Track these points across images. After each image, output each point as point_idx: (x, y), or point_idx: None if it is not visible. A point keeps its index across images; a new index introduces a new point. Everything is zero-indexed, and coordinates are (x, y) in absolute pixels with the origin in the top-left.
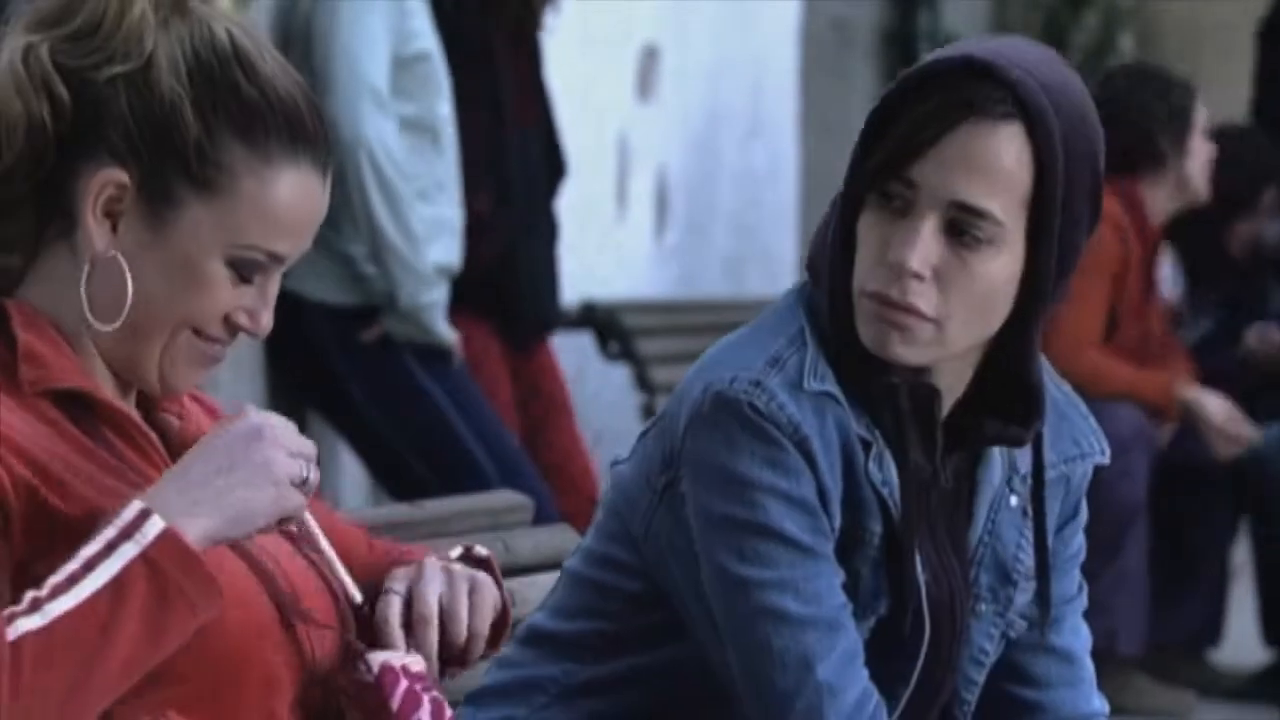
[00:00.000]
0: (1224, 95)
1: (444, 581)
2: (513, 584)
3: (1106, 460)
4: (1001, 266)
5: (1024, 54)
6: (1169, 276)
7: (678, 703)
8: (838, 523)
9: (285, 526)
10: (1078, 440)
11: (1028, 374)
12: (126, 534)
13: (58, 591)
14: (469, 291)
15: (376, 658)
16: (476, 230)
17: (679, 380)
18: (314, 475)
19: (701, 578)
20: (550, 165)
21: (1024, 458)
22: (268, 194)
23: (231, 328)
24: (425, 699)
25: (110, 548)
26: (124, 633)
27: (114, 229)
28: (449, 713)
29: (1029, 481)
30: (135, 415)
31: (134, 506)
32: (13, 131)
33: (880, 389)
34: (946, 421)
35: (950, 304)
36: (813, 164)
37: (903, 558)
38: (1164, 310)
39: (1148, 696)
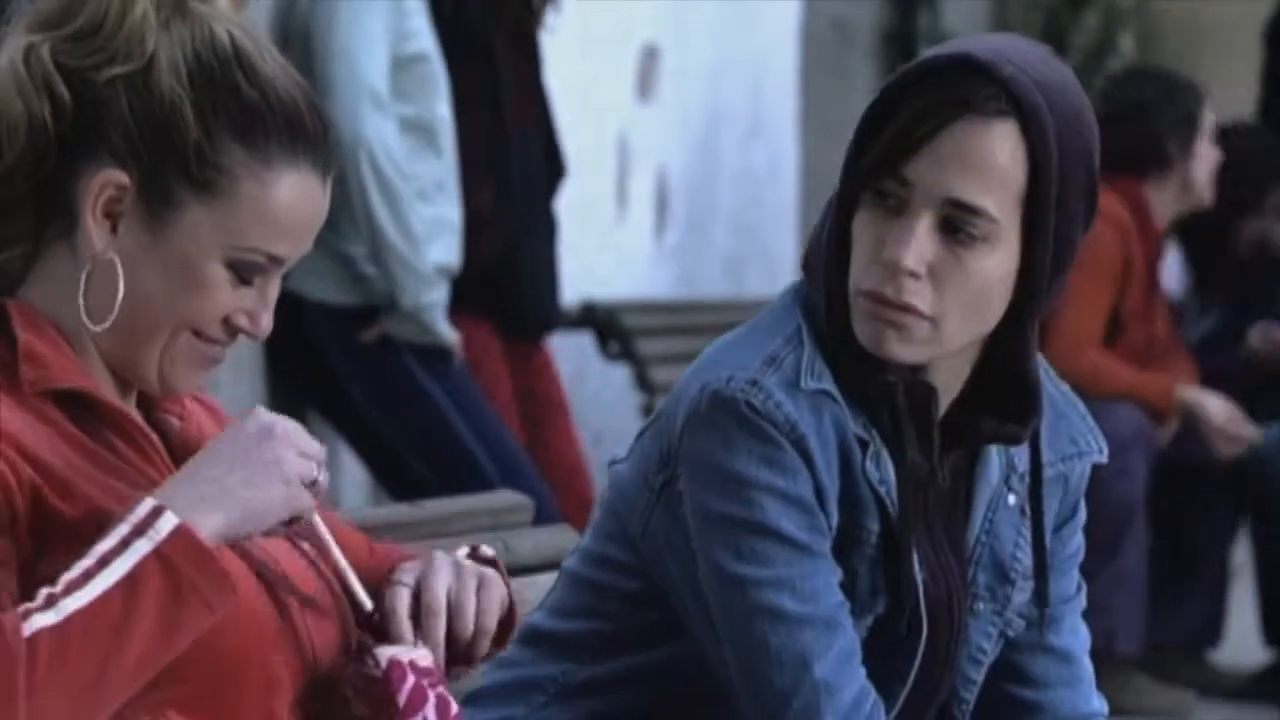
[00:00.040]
0: (1224, 95)
1: (453, 575)
2: (513, 584)
3: (1105, 459)
4: (997, 263)
5: (1018, 51)
6: (1174, 274)
7: (676, 702)
8: (835, 521)
9: (294, 527)
10: (1075, 439)
11: (1024, 371)
12: (140, 530)
13: (72, 588)
14: (470, 291)
15: (384, 652)
16: (477, 227)
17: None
18: (323, 477)
19: (699, 576)
20: (550, 166)
21: (1022, 456)
22: (268, 196)
23: (231, 329)
24: (431, 695)
25: (124, 544)
26: (139, 628)
27: (114, 230)
28: (454, 709)
29: (1027, 480)
30: (136, 415)
31: (147, 503)
32: (14, 131)
33: (877, 388)
34: (943, 420)
35: (946, 302)
36: (813, 164)
37: (900, 556)
38: (1168, 313)
39: (1148, 697)
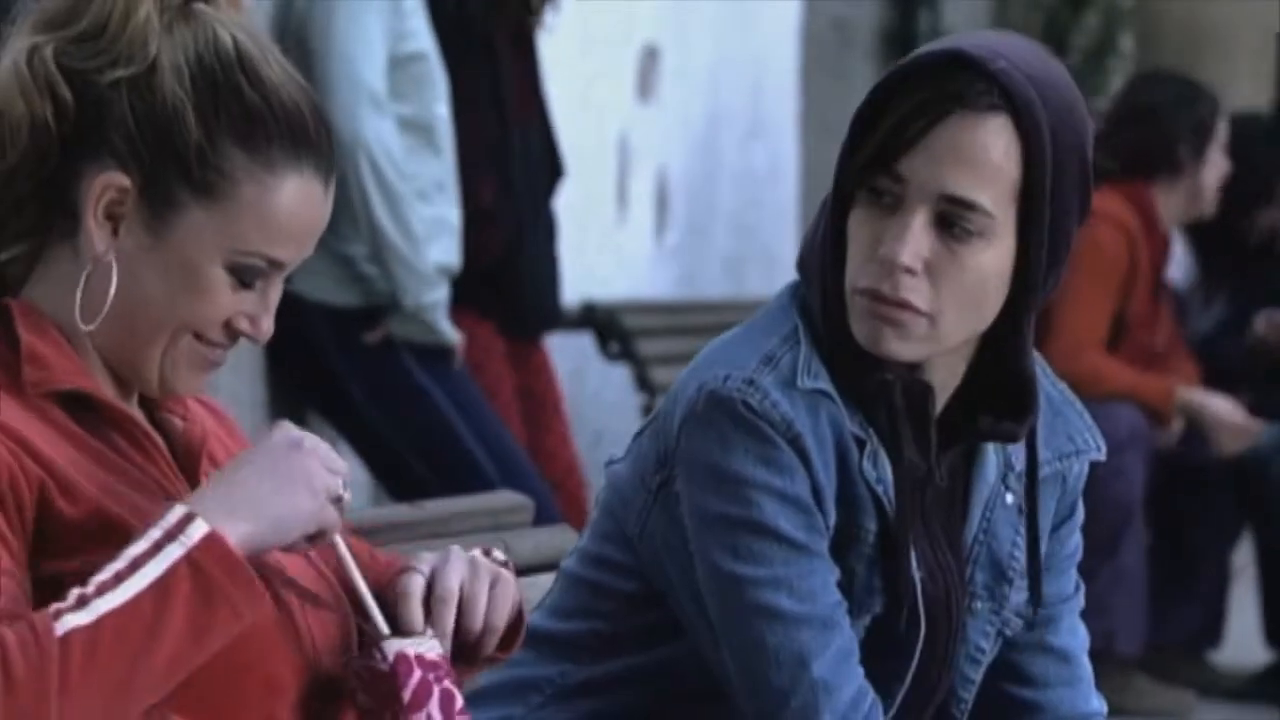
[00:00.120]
0: (1224, 95)
1: (468, 568)
2: None
3: (1103, 457)
4: (992, 258)
5: (1009, 46)
6: (1180, 265)
7: (674, 702)
8: (832, 520)
9: (319, 543)
10: (1073, 437)
11: (1021, 368)
12: (171, 535)
13: (104, 589)
14: (472, 290)
15: (391, 646)
16: (479, 222)
17: None
18: (347, 495)
19: (696, 576)
20: (549, 166)
21: (1019, 455)
22: (269, 200)
23: (232, 333)
24: (436, 690)
25: (156, 548)
26: (169, 631)
27: (115, 232)
28: (459, 703)
29: (1024, 479)
30: (138, 416)
31: (178, 510)
32: (16, 131)
33: (874, 386)
34: (940, 418)
35: (942, 298)
36: (813, 164)
37: (898, 555)
38: (1173, 316)
39: (1148, 697)
